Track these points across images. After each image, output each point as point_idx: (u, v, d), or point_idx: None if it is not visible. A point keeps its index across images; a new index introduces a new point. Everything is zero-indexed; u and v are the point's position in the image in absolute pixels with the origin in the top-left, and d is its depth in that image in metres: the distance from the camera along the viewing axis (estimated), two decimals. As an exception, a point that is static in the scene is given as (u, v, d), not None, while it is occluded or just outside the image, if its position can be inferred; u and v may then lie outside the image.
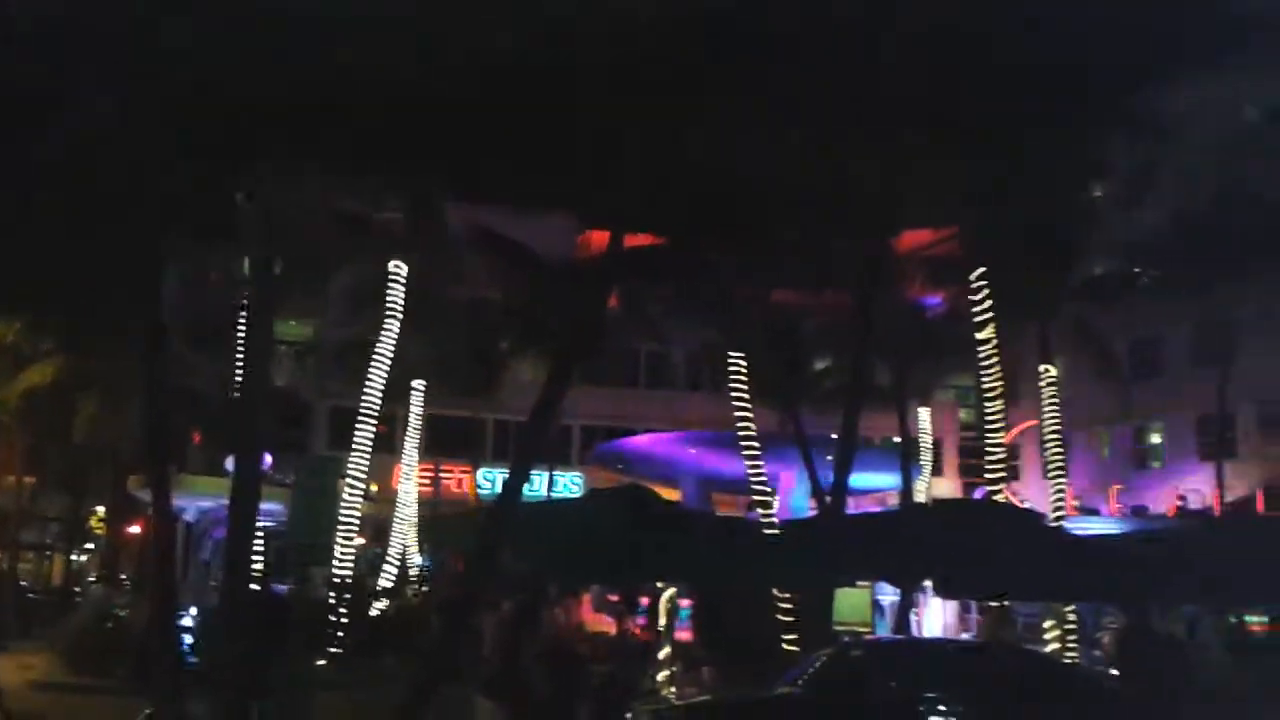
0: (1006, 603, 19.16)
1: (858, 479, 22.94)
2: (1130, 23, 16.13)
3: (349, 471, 22.98)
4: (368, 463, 23.33)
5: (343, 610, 21.37)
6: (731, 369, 21.16)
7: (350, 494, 22.88)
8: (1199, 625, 21.02)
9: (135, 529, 38.45)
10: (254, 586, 15.31)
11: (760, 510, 20.91)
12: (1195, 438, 35.55)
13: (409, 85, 12.52)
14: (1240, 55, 22.78)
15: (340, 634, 20.75)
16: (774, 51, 14.97)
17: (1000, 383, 20.43)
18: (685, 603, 20.51)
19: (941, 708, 11.73)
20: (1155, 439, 38.52)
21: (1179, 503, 31.22)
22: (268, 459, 22.17)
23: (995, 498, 20.74)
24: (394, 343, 23.33)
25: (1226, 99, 27.92)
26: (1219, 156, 24.51)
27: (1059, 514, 22.02)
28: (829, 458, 20.88)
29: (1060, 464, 22.49)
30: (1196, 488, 31.18)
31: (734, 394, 21.20)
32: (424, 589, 25.84)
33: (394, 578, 26.14)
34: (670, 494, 30.06)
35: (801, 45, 15.11)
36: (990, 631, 19.71)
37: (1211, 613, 19.16)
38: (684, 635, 20.45)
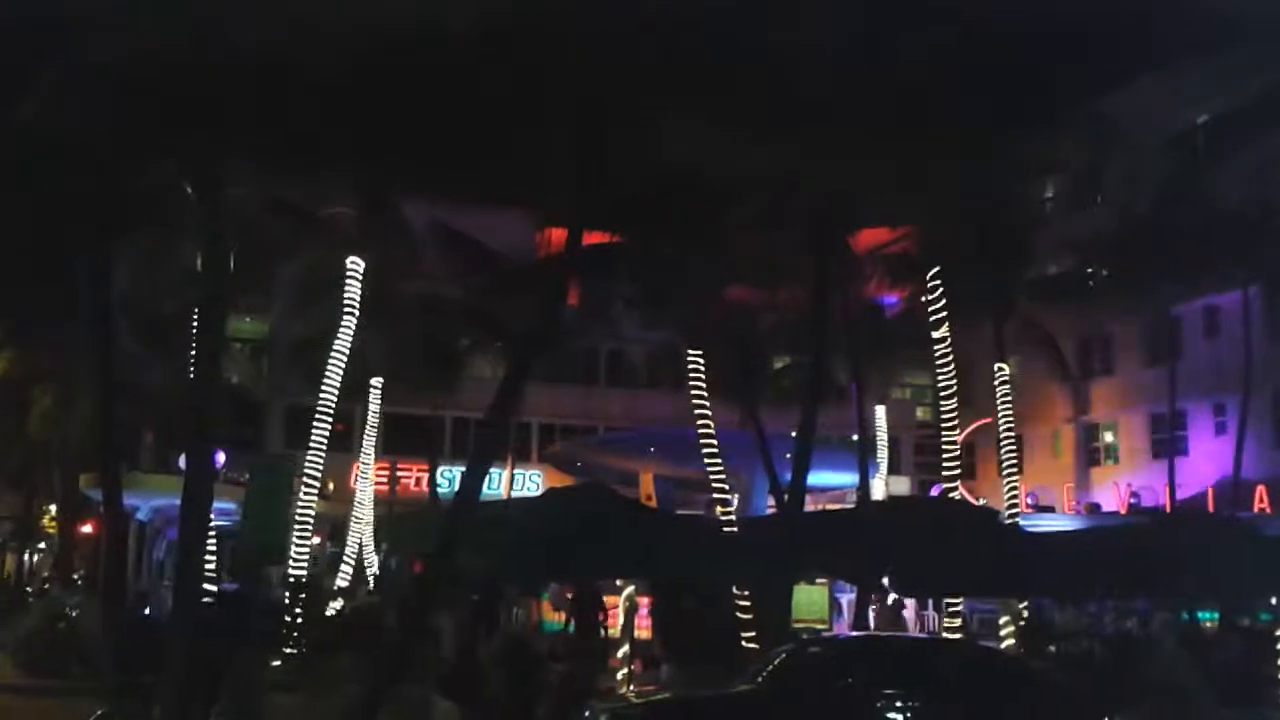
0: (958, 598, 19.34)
1: (816, 477, 23.05)
2: (1082, 26, 16.33)
3: (305, 470, 22.77)
4: (324, 461, 23.14)
5: (299, 610, 21.18)
6: (690, 367, 21.18)
7: (306, 493, 22.68)
8: (1152, 622, 21.34)
9: (88, 528, 37.89)
10: (208, 586, 15.13)
11: (719, 508, 20.95)
12: (1147, 436, 36.11)
13: (360, 78, 12.42)
14: (1188, 60, 23.17)
15: (297, 634, 20.56)
16: (729, 50, 15.02)
17: (955, 381, 20.61)
18: (644, 601, 20.52)
19: (898, 704, 11.81)
20: (1108, 437, 39.06)
21: (1131, 500, 31.64)
22: (221, 457, 21.93)
23: (951, 495, 20.92)
24: (351, 340, 23.14)
25: (1175, 102, 28.39)
26: (1167, 158, 24.92)
27: (1013, 511, 22.27)
28: (788, 456, 20.97)
29: (1014, 462, 22.74)
30: (1148, 485, 31.62)
31: (693, 392, 21.23)
32: (381, 589, 25.66)
33: (351, 577, 25.95)
34: (630, 492, 30.06)
35: (757, 45, 15.17)
36: (887, 626, 19.95)
37: (1164, 609, 19.45)
38: (643, 633, 20.48)
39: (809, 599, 23.10)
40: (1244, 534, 19.31)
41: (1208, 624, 21.96)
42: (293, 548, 22.25)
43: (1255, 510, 27.30)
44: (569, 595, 20.24)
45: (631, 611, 18.72)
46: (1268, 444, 30.94)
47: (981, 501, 31.26)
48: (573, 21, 13.67)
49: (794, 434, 21.52)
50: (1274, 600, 16.00)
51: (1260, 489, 28.00)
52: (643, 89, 14.60)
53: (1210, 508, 27.62)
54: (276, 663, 17.84)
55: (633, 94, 14.47)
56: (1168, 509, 27.64)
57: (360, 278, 23.19)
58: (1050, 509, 32.17)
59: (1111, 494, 32.44)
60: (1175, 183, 24.82)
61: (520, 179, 17.23)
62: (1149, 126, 25.10)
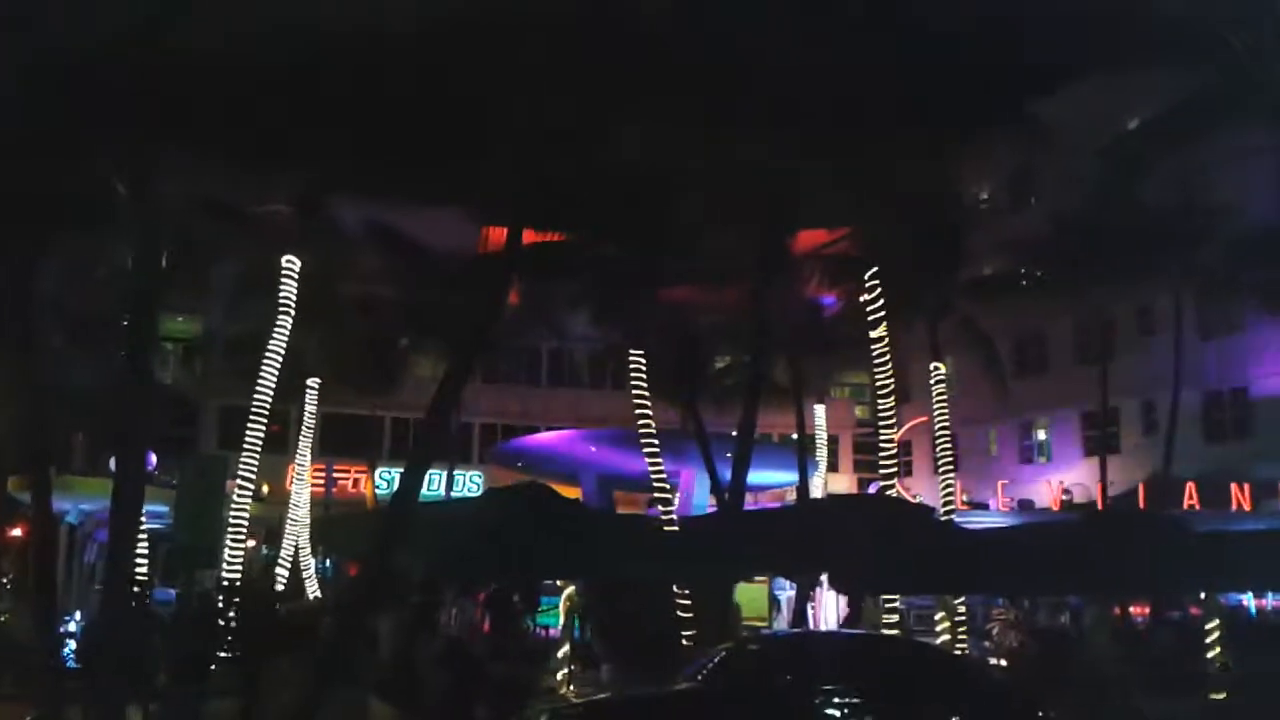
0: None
1: (756, 475, 23.16)
2: (1019, 32, 16.58)
3: (239, 471, 22.42)
4: (259, 462, 22.81)
5: (233, 614, 20.86)
6: (631, 366, 21.19)
7: (240, 494, 22.34)
8: (1084, 616, 21.72)
9: (17, 532, 36.95)
10: (137, 589, 14.86)
11: (660, 507, 20.99)
12: (1079, 433, 36.79)
13: (296, 76, 12.28)
14: (1121, 66, 23.63)
15: (231, 638, 20.23)
16: (672, 52, 15.05)
17: (893, 380, 20.83)
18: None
19: (836, 700, 11.90)
20: (1041, 435, 39.72)
21: (1064, 497, 32.17)
22: (152, 459, 21.52)
23: (888, 493, 21.13)
24: (286, 339, 22.82)
25: (1108, 107, 28.95)
26: (1100, 161, 25.38)
27: (949, 508, 22.55)
28: (728, 455, 21.05)
29: (950, 459, 23.03)
30: (1080, 482, 32.18)
31: (634, 391, 21.25)
32: (318, 591, 25.37)
33: (287, 580, 25.60)
34: (571, 492, 30.00)
35: (698, 46, 15.21)
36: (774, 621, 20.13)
37: (1096, 604, 19.80)
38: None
39: (748, 597, 23.20)
40: (1174, 530, 19.72)
41: (1138, 618, 22.43)
42: (226, 550, 21.92)
43: (1185, 506, 27.87)
44: (480, 597, 20.14)
45: (572, 612, 18.67)
46: (1197, 441, 31.68)
47: (918, 499, 31.66)
48: (514, 20, 13.62)
49: (734, 433, 21.63)
50: (1203, 595, 16.34)
51: (1190, 485, 28.60)
52: (583, 88, 14.58)
53: (1141, 504, 28.16)
54: (211, 666, 17.55)
55: (573, 93, 14.45)
56: (1099, 506, 28.15)
57: (296, 277, 22.87)
58: (984, 506, 32.61)
59: (1044, 491, 32.97)
60: (1108, 186, 25.28)
61: (460, 178, 17.14)
62: (1083, 130, 25.60)
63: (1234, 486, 28.53)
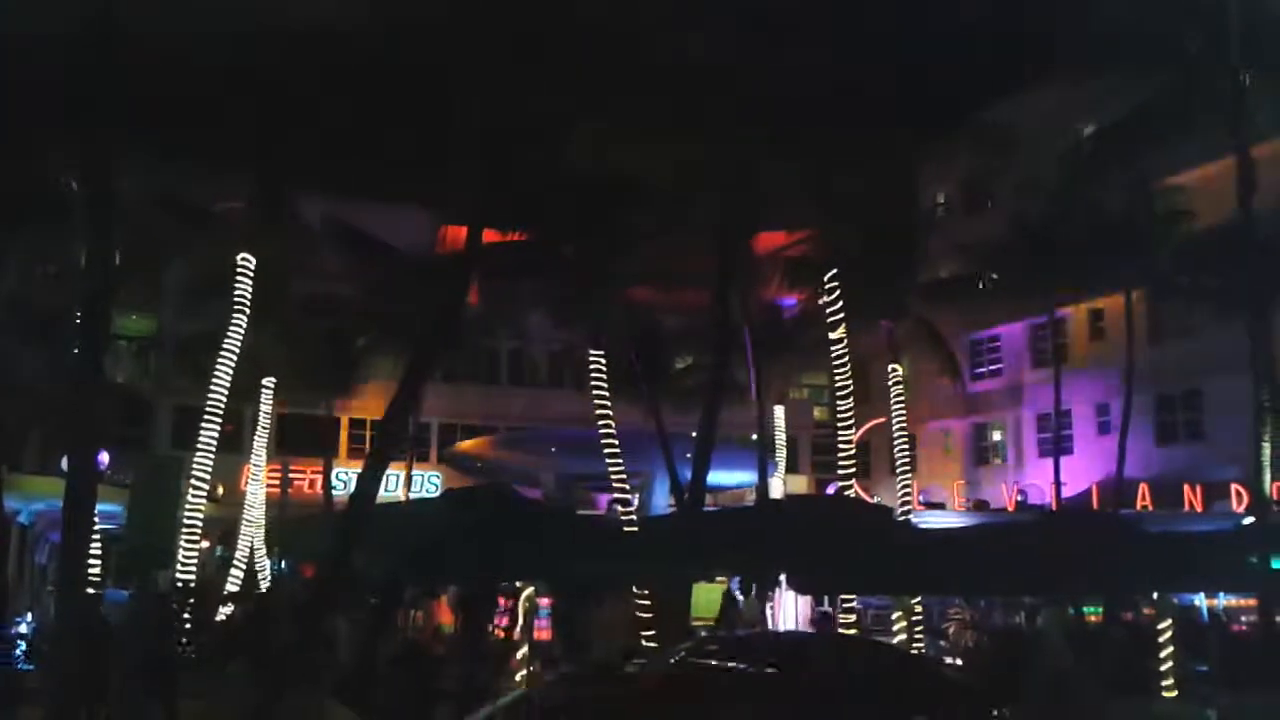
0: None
1: (716, 476, 23.21)
2: (975, 39, 16.76)
3: (193, 472, 22.17)
4: (213, 462, 22.55)
5: (188, 615, 20.63)
6: (592, 367, 21.17)
7: (194, 495, 22.08)
8: (1039, 616, 21.94)
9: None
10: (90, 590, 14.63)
11: (620, 507, 20.98)
12: (1034, 435, 37.18)
13: (256, 73, 12.17)
14: (1078, 73, 23.94)
15: (186, 640, 20.01)
16: (635, 56, 15.07)
17: (851, 382, 20.96)
18: (544, 602, 20.42)
19: (793, 699, 11.95)
20: (996, 436, 40.11)
21: (1019, 498, 32.48)
22: (105, 458, 21.22)
23: (846, 493, 21.25)
24: (242, 338, 22.58)
25: (1063, 113, 29.32)
26: (1055, 166, 25.69)
27: (906, 509, 22.73)
28: (689, 455, 21.09)
29: (907, 460, 23.22)
30: (1035, 483, 32.52)
31: (595, 392, 21.23)
32: (272, 592, 25.12)
33: (242, 581, 25.35)
34: (531, 492, 29.92)
35: (661, 51, 15.26)
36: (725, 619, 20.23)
37: (1050, 603, 20.00)
38: (543, 634, 20.37)
39: (707, 597, 23.24)
40: (1127, 530, 19.98)
41: (1092, 617, 22.67)
42: (180, 551, 21.68)
43: (1138, 507, 28.22)
44: (442, 598, 20.08)
45: (531, 613, 18.62)
46: (1150, 443, 32.13)
47: (876, 499, 31.84)
48: (476, 21, 13.57)
49: (694, 433, 21.67)
50: (1155, 594, 16.57)
51: (1143, 486, 28.96)
52: (543, 90, 14.56)
53: (1094, 505, 28.48)
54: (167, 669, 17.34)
55: (534, 94, 14.42)
56: (1054, 506, 28.45)
57: (252, 275, 22.64)
58: (941, 506, 32.86)
59: (1000, 491, 33.27)
60: (1063, 190, 25.58)
61: (420, 176, 17.07)
62: (1040, 135, 25.92)
63: (1186, 487, 28.93)
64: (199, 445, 22.35)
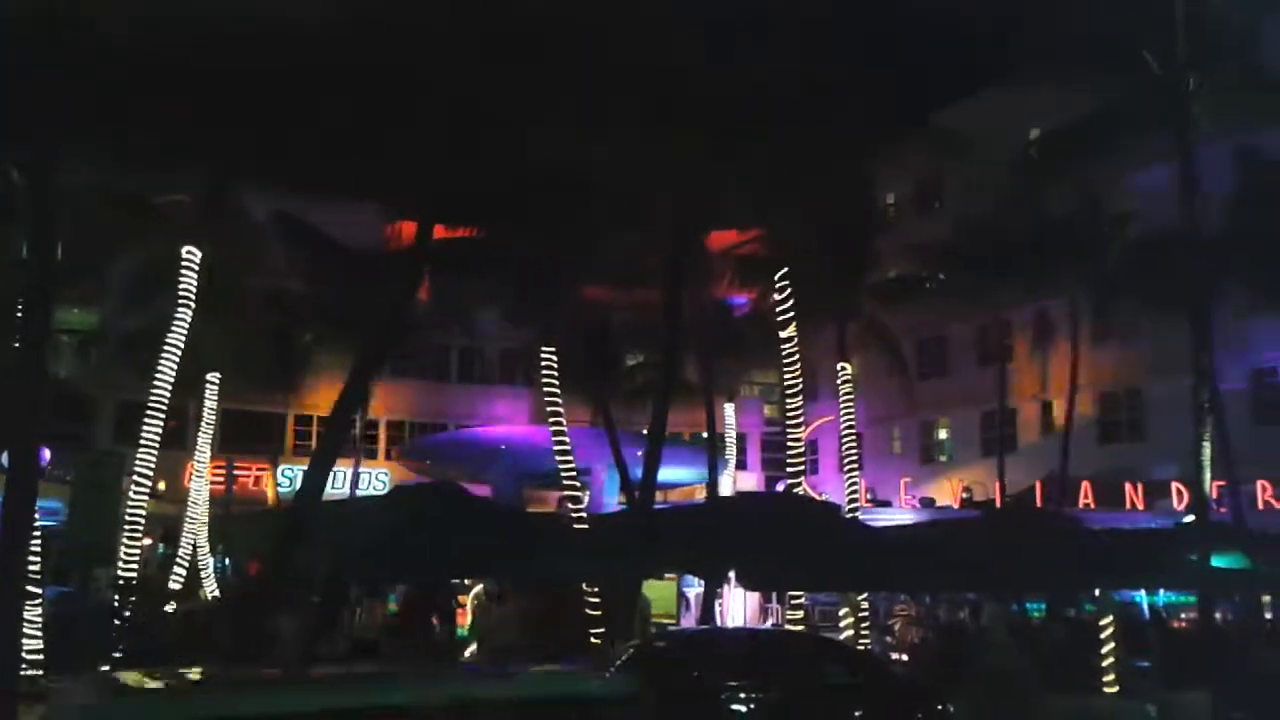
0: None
1: (667, 474, 23.23)
2: (924, 44, 16.91)
3: (135, 468, 21.80)
4: (156, 459, 22.19)
5: (129, 614, 20.28)
6: (543, 364, 21.11)
7: (137, 491, 21.72)
8: (983, 612, 22.21)
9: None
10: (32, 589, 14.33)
11: (570, 505, 20.94)
12: (979, 433, 37.65)
13: (203, 65, 11.99)
14: (1028, 78, 24.25)
15: (128, 639, 19.68)
16: (589, 54, 15.03)
17: (801, 380, 21.07)
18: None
19: (742, 695, 12.00)
20: (942, 434, 40.58)
21: (964, 495, 32.87)
22: (46, 455, 20.81)
23: (795, 491, 21.36)
24: (186, 333, 22.24)
25: (1011, 117, 29.68)
26: (1004, 169, 26.01)
27: (854, 506, 22.90)
28: (639, 453, 21.09)
29: (855, 458, 23.38)
30: (980, 480, 32.94)
31: (545, 389, 21.17)
32: (216, 591, 24.81)
33: (185, 579, 24.97)
34: (480, 490, 29.79)
35: (615, 49, 15.23)
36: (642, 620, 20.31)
37: (994, 600, 20.25)
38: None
39: (656, 594, 23.27)
40: (1069, 528, 20.27)
41: (1035, 614, 22.99)
42: (122, 548, 21.34)
43: (1080, 505, 28.67)
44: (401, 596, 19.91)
45: (480, 610, 18.53)
46: (1092, 441, 32.65)
47: (824, 496, 32.08)
48: (432, 17, 13.47)
49: (645, 431, 21.68)
50: (1097, 591, 16.81)
51: (1085, 484, 29.44)
52: (499, 87, 14.49)
53: (1038, 502, 28.89)
54: (106, 668, 17.07)
55: (489, 91, 14.34)
56: (998, 503, 28.82)
57: (197, 269, 22.30)
58: (888, 503, 33.17)
59: (945, 489, 33.66)
60: (1010, 193, 25.90)
61: (370, 171, 16.93)
62: (989, 139, 26.21)
63: (1128, 486, 29.43)
64: (142, 441, 21.99)
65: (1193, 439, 17.53)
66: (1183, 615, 23.93)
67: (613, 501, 29.66)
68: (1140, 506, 28.93)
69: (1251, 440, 25.65)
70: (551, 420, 21.04)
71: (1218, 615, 18.19)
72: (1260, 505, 26.54)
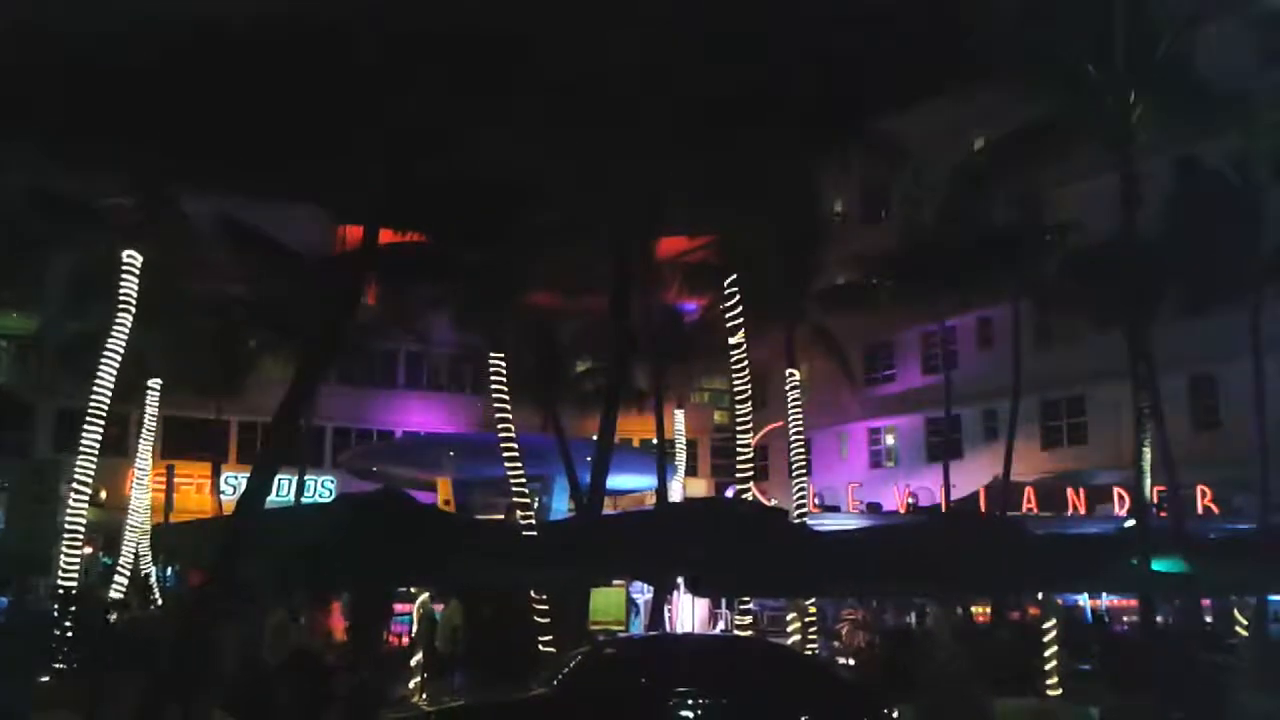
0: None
1: (616, 480, 23.19)
2: (871, 54, 17.06)
3: (75, 476, 21.40)
4: (96, 466, 21.80)
5: (69, 624, 19.89)
6: (492, 370, 20.99)
7: (76, 499, 21.32)
8: (928, 615, 22.39)
9: None
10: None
11: (519, 512, 20.82)
12: (924, 439, 38.03)
13: (140, 64, 11.81)
14: (970, 87, 24.53)
15: (67, 649, 19.29)
16: (536, 57, 15.01)
17: (750, 386, 21.13)
18: (438, 607, 20.18)
19: (690, 701, 11.98)
20: (889, 440, 40.93)
21: (910, 500, 33.15)
22: (-19, 462, 20.39)
23: (744, 496, 21.42)
24: (127, 338, 21.87)
25: (956, 127, 30.04)
26: (947, 178, 26.31)
27: (802, 511, 23.01)
28: (589, 459, 21.04)
29: (803, 464, 23.49)
30: (925, 486, 33.23)
31: (494, 395, 21.04)
32: (158, 600, 24.41)
33: (126, 588, 24.55)
34: (428, 497, 29.56)
35: (562, 52, 15.21)
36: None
37: (940, 603, 20.43)
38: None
39: (605, 601, 23.21)
40: (1013, 532, 20.49)
41: (979, 617, 23.23)
42: (61, 557, 20.92)
43: (1024, 510, 29.00)
44: (334, 605, 19.68)
45: (425, 619, 18.37)
46: (1035, 447, 33.07)
47: (773, 502, 32.19)
48: (372, 19, 13.38)
49: (595, 437, 21.62)
50: (1040, 595, 16.99)
51: (1029, 489, 29.80)
52: (446, 90, 14.41)
53: (982, 508, 29.19)
54: (45, 679, 16.74)
55: (430, 94, 14.26)
56: (943, 508, 29.08)
57: (137, 272, 21.94)
58: (836, 508, 33.36)
59: (892, 494, 33.94)
60: (953, 202, 26.18)
61: (314, 174, 16.75)
62: (932, 147, 26.51)
63: (1070, 491, 29.81)
64: (81, 448, 21.60)
65: (1134, 444, 17.78)
66: (1124, 619, 24.28)
67: (563, 508, 29.55)
68: (1082, 511, 29.31)
69: (1191, 445, 26.10)
70: (500, 426, 20.93)
71: (1159, 618, 18.45)
72: (1200, 509, 26.99)
